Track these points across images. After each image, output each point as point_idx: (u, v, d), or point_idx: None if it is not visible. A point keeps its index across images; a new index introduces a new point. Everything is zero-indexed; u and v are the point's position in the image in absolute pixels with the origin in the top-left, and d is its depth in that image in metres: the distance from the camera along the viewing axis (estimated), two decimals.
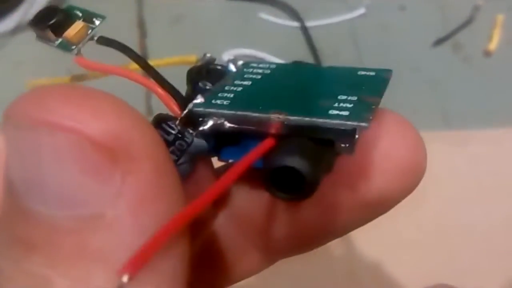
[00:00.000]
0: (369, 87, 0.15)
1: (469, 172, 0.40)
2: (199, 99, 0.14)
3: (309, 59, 0.46)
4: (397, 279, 0.37)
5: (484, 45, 0.47)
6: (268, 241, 0.16)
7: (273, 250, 0.17)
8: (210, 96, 0.15)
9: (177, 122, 0.15)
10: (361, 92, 0.14)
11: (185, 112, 0.14)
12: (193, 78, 0.16)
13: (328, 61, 0.46)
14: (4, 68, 0.45)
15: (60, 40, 0.16)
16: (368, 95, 0.14)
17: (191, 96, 0.15)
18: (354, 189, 0.15)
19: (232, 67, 0.16)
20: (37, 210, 0.11)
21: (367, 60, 0.46)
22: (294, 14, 0.48)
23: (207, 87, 0.16)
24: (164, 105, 0.15)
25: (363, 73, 0.16)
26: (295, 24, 0.48)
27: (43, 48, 0.16)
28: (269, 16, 0.48)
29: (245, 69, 0.16)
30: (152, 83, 0.15)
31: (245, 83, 0.15)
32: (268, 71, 0.16)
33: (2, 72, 0.45)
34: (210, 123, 0.14)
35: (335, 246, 0.37)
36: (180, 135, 0.15)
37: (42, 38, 0.16)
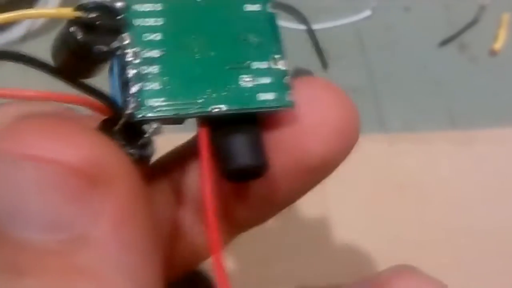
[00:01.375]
0: (267, 39, 0.16)
1: (475, 171, 0.40)
2: (132, 104, 0.14)
3: (316, 62, 0.46)
4: None
5: (490, 45, 0.47)
6: (223, 219, 0.17)
7: (229, 227, 0.17)
8: (138, 94, 0.14)
9: (116, 128, 0.14)
10: (267, 53, 0.16)
11: (124, 119, 0.14)
12: (84, 30, 0.14)
13: (334, 63, 0.46)
14: (13, 76, 0.45)
15: None
16: (273, 57, 0.16)
17: (75, 44, 0.14)
18: (294, 157, 0.16)
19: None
20: (21, 237, 0.12)
21: (374, 61, 0.46)
22: (300, 17, 0.49)
23: (104, 50, 0.15)
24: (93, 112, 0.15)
25: (249, 9, 0.16)
26: (302, 27, 0.48)
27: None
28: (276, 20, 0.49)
29: (133, 20, 0.15)
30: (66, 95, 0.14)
31: (155, 54, 0.15)
32: (159, 19, 0.15)
33: (11, 79, 0.45)
34: (153, 127, 0.15)
35: (338, 248, 0.37)
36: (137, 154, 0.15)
37: None
